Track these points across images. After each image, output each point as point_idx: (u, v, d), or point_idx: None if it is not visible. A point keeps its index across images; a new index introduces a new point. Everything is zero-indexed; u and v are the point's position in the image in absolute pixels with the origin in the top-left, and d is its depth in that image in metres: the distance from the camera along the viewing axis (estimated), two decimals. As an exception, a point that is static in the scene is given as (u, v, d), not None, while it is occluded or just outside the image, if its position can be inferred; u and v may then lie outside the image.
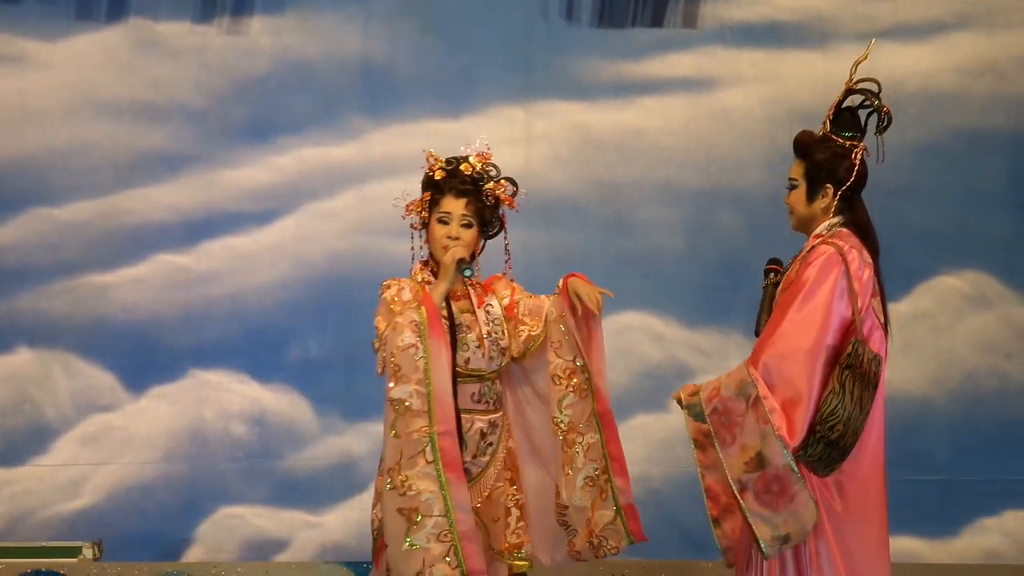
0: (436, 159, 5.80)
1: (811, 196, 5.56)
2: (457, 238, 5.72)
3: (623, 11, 8.24)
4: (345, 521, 8.07)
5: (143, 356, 8.16)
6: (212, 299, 8.20)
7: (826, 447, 5.25)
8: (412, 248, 5.84)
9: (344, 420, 8.14)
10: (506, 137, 8.11)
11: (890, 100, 8.11)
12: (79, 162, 8.24)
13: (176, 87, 8.24)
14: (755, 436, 5.26)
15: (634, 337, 8.10)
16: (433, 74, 8.22)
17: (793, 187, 5.60)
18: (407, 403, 5.48)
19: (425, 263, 5.82)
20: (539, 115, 8.20)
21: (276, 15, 8.24)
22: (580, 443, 5.69)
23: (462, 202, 5.74)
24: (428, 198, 5.76)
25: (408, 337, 5.50)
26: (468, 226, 5.74)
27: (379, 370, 5.61)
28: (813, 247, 5.47)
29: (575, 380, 5.71)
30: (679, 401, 5.49)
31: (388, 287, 5.69)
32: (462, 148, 5.84)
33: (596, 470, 5.69)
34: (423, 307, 5.55)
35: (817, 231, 5.55)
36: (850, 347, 5.25)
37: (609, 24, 8.23)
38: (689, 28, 8.21)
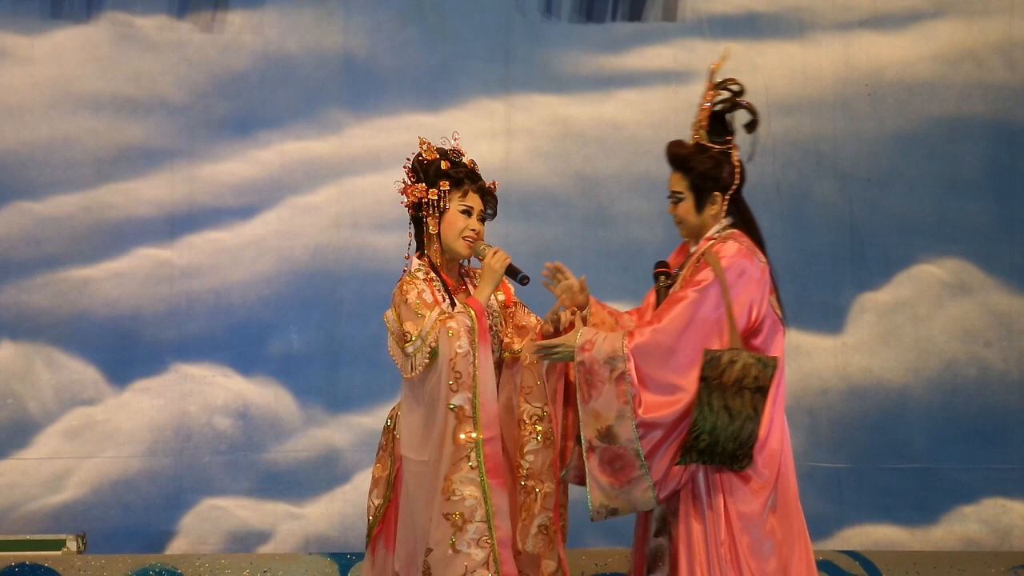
0: (430, 147, 5.79)
1: (700, 206, 5.58)
2: (477, 231, 5.75)
3: (603, 5, 8.25)
4: (328, 512, 8.12)
5: (126, 350, 8.18)
6: (195, 293, 8.21)
7: (699, 455, 5.32)
8: (411, 236, 5.80)
9: (327, 412, 8.17)
10: (486, 130, 8.13)
11: (869, 89, 8.22)
12: (60, 157, 8.25)
13: (156, 81, 8.26)
14: (612, 410, 5.36)
15: (614, 328, 8.13)
16: (413, 68, 8.24)
17: (679, 200, 5.61)
18: (464, 409, 5.53)
19: (420, 255, 5.79)
20: (519, 108, 8.22)
21: (256, 10, 8.25)
22: (539, 491, 5.70)
23: (478, 197, 5.77)
24: (447, 187, 5.76)
25: (465, 343, 5.53)
26: (482, 221, 5.79)
27: (411, 372, 5.59)
28: (707, 248, 5.50)
29: (540, 428, 5.71)
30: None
31: (408, 291, 5.64)
32: (441, 139, 5.83)
33: (549, 519, 5.70)
34: (472, 310, 5.59)
35: (709, 235, 5.58)
36: (704, 358, 5.31)
37: (588, 18, 8.24)
38: (668, 21, 8.23)
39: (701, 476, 5.42)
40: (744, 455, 5.32)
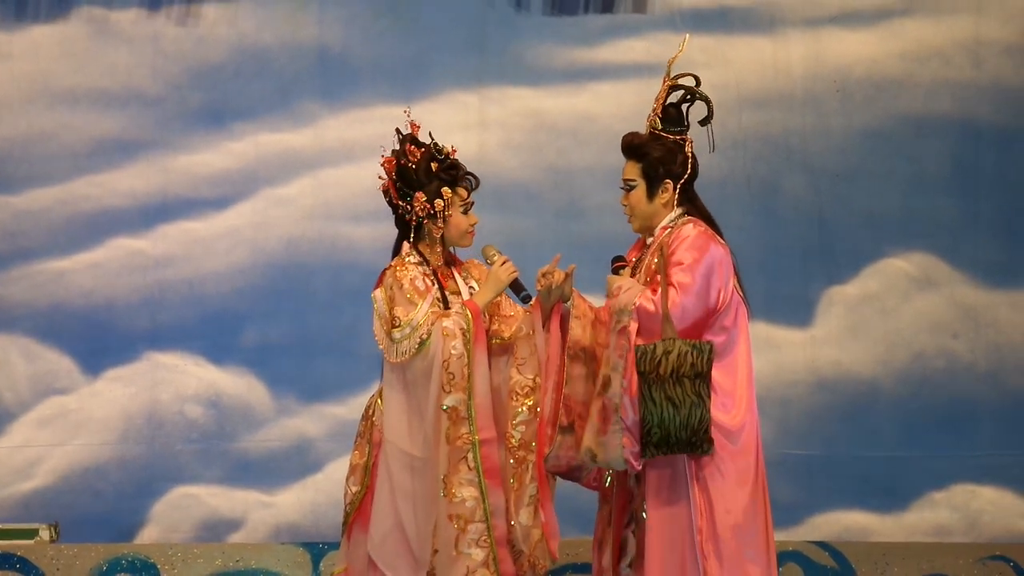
0: (413, 149, 5.80)
1: (651, 193, 5.67)
2: (475, 224, 5.85)
3: (574, -3, 8.35)
4: (299, 502, 8.12)
5: (100, 340, 8.20)
6: (168, 283, 8.24)
7: (657, 448, 5.39)
8: (412, 233, 5.80)
9: (299, 402, 8.19)
10: (460, 123, 8.16)
11: (837, 86, 8.30)
12: (37, 151, 8.29)
13: (132, 74, 8.29)
14: (610, 361, 5.45)
15: (586, 320, 8.17)
16: (387, 60, 8.28)
17: (631, 188, 5.71)
18: (459, 411, 5.58)
19: (412, 243, 5.81)
20: (492, 100, 8.27)
21: (231, 2, 8.29)
22: (529, 461, 5.76)
23: (466, 190, 5.85)
24: (449, 194, 5.77)
25: (459, 345, 5.60)
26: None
27: (395, 358, 5.63)
28: (666, 237, 5.56)
29: (531, 400, 5.78)
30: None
31: (402, 275, 5.68)
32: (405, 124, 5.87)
33: (536, 489, 5.78)
34: (468, 311, 5.65)
35: (663, 224, 5.66)
36: (636, 354, 5.39)
37: (560, 11, 8.30)
38: (639, 13, 8.29)
39: (677, 467, 5.47)
40: (701, 440, 5.37)
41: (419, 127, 5.87)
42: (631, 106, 8.23)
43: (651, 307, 5.42)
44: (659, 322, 5.41)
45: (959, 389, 8.16)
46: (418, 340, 5.59)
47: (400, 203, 5.77)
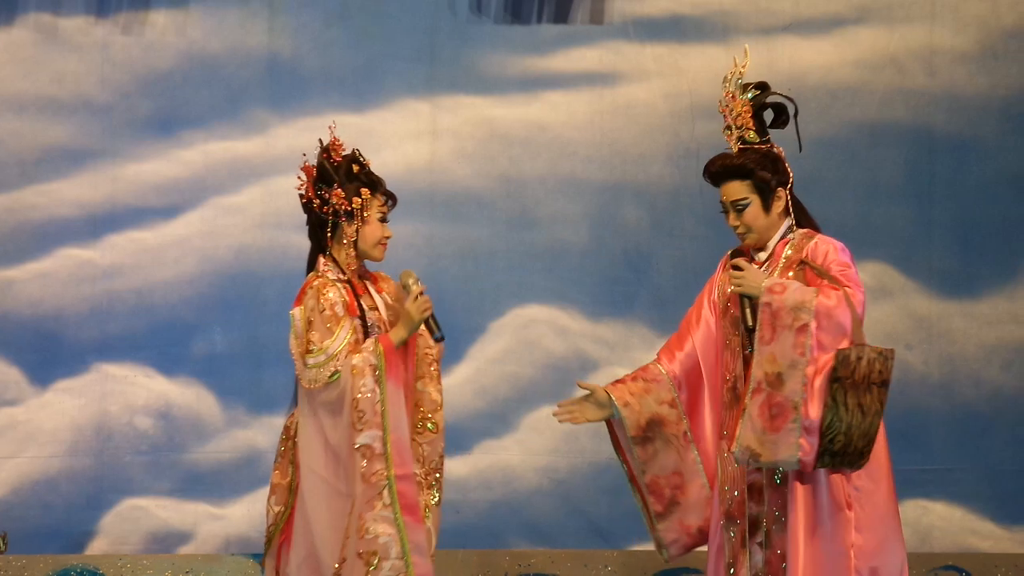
0: (339, 148, 5.77)
1: (767, 206, 5.59)
2: (390, 237, 5.75)
3: (529, 6, 8.28)
4: (249, 514, 8.04)
5: (48, 350, 8.13)
6: (117, 293, 8.17)
7: (831, 457, 5.32)
8: (331, 237, 5.73)
9: (249, 413, 8.13)
10: (411, 131, 8.13)
11: (791, 94, 8.26)
12: (-16, 159, 8.23)
13: (80, 82, 8.21)
14: (786, 358, 5.33)
15: (538, 330, 8.15)
16: (338, 67, 8.22)
17: (744, 207, 5.58)
18: (373, 448, 5.49)
19: (326, 255, 5.75)
20: (444, 109, 8.21)
21: (180, 10, 8.21)
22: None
23: (384, 201, 5.77)
24: (368, 195, 5.72)
25: (369, 382, 5.49)
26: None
27: (307, 385, 5.56)
28: (809, 253, 5.53)
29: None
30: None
31: (324, 301, 5.58)
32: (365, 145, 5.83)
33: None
34: (380, 346, 5.55)
35: (780, 237, 5.62)
36: (834, 359, 5.32)
37: (515, 19, 8.27)
38: (595, 24, 8.26)
39: (826, 482, 5.44)
40: (868, 452, 5.35)
41: (341, 144, 5.79)
42: (584, 115, 8.23)
43: (831, 302, 5.36)
44: (846, 324, 5.37)
45: (912, 401, 8.10)
46: (330, 371, 5.52)
47: (316, 201, 5.70)
